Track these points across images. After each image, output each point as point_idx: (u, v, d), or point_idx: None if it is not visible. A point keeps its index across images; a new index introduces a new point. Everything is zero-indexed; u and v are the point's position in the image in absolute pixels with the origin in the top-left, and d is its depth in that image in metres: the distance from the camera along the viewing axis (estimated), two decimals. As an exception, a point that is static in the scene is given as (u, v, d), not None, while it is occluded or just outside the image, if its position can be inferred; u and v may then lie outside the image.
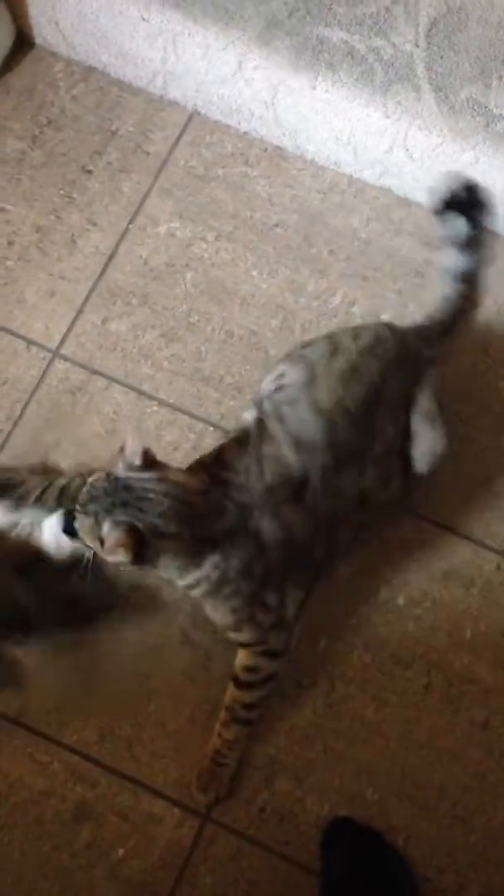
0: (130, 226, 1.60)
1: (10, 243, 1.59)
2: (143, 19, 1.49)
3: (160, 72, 1.61)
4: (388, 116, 1.44)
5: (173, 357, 1.54)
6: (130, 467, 1.15)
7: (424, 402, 1.30)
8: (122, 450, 1.17)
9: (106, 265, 1.58)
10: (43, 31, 1.65)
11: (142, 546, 1.12)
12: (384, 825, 1.32)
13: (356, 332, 1.31)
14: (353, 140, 1.55)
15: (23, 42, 1.69)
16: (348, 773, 1.35)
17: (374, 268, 1.59)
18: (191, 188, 1.63)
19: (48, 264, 1.58)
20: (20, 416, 1.49)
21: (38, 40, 1.68)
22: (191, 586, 1.20)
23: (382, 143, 1.53)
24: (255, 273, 1.59)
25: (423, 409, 1.30)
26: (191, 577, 1.19)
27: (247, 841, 1.31)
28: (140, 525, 1.11)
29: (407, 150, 1.52)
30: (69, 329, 1.54)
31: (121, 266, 1.58)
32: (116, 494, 1.13)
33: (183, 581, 1.20)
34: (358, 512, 1.26)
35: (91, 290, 1.56)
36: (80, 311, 1.55)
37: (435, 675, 1.39)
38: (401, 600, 1.42)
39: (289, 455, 1.22)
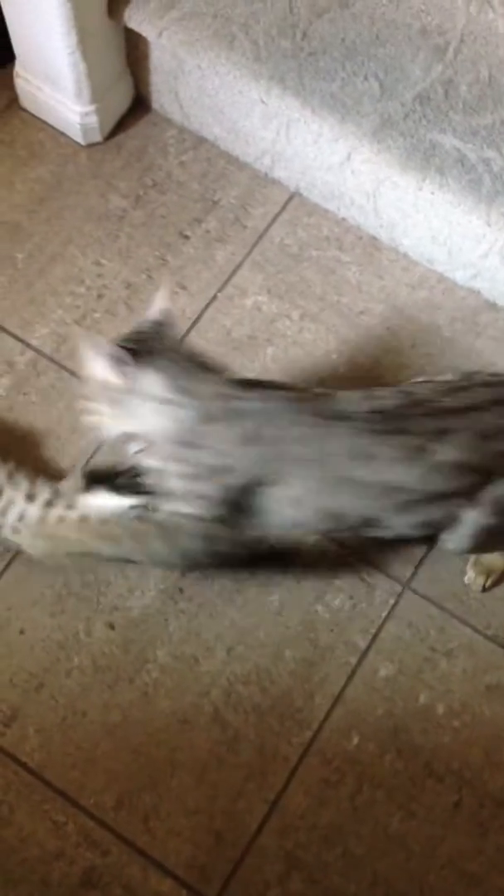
0: (219, 294, 1.63)
1: (100, 296, 1.62)
2: (262, 102, 1.53)
3: (269, 151, 1.66)
4: (489, 225, 1.45)
5: (243, 429, 1.55)
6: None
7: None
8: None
9: (189, 329, 1.61)
10: (161, 98, 1.71)
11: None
12: (395, 944, 1.27)
13: None
14: (449, 241, 1.57)
15: (140, 105, 1.74)
16: (365, 882, 1.30)
17: (453, 367, 1.59)
18: (282, 266, 1.65)
19: (133, 320, 1.60)
20: (90, 458, 1.51)
21: (155, 106, 1.74)
22: None
23: (479, 248, 1.54)
24: (335, 356, 1.60)
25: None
26: None
27: (252, 938, 1.28)
28: None
29: (502, 257, 1.53)
30: (145, 387, 1.57)
31: (204, 332, 1.61)
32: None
33: None
34: None
35: (172, 352, 1.59)
36: (158, 371, 1.58)
37: (467, 793, 1.35)
38: (440, 709, 1.39)
39: None
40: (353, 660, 1.41)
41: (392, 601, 1.44)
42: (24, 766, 1.34)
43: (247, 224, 1.68)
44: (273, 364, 1.59)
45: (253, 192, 1.71)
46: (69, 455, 1.50)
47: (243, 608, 1.42)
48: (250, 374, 1.56)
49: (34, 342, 1.59)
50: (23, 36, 1.59)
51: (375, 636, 1.42)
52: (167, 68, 1.64)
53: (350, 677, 1.40)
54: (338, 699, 1.39)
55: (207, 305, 1.63)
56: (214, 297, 1.63)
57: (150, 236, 1.66)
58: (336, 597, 1.44)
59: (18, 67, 1.68)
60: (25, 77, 1.67)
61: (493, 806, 1.34)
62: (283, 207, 1.70)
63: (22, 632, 1.41)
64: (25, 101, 1.72)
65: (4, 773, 1.34)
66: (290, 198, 1.70)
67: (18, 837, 1.31)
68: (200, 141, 1.73)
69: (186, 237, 1.67)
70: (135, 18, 1.53)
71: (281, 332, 1.61)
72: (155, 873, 1.30)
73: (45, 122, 1.72)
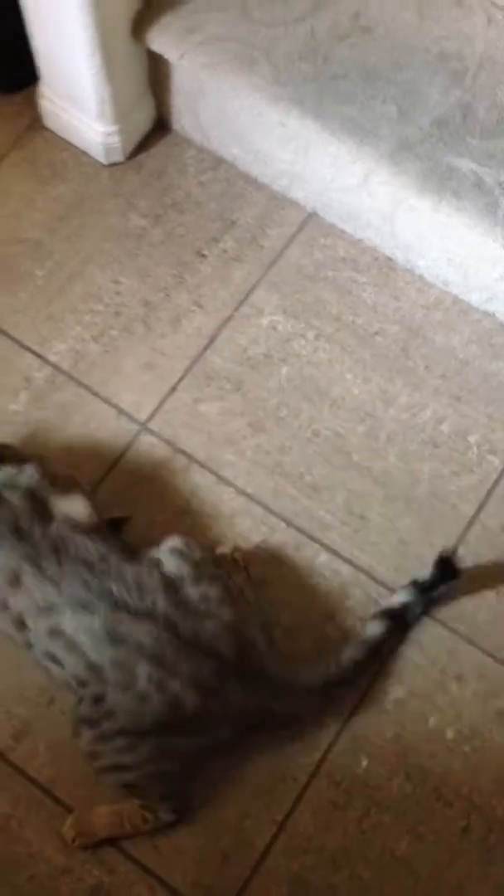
0: (235, 313, 1.64)
1: (118, 314, 1.64)
2: (282, 124, 1.54)
3: (287, 172, 1.67)
4: (505, 248, 1.46)
5: (257, 447, 1.55)
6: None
7: None
8: None
9: (205, 348, 1.62)
10: (182, 119, 1.73)
11: None
12: None
13: None
14: (465, 264, 1.57)
15: (161, 126, 1.76)
16: (372, 906, 1.30)
17: (468, 389, 1.59)
18: (298, 286, 1.66)
19: (150, 339, 1.62)
20: (100, 482, 1.51)
21: (175, 126, 1.76)
22: None
23: (494, 271, 1.54)
24: (349, 377, 1.60)
25: None
26: None
27: None
28: None
29: (518, 281, 1.54)
30: (160, 404, 1.57)
31: (219, 350, 1.62)
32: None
33: None
34: None
35: (187, 370, 1.60)
36: (173, 389, 1.59)
37: (475, 818, 1.34)
38: (450, 734, 1.38)
39: None
40: (364, 682, 1.40)
41: (403, 623, 1.45)
42: (33, 781, 1.35)
43: (264, 244, 1.70)
44: (287, 384, 1.60)
45: (270, 212, 1.72)
46: (84, 472, 1.51)
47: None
48: (266, 393, 1.58)
49: (52, 358, 1.61)
50: (48, 57, 1.62)
51: (387, 658, 1.42)
52: (188, 90, 1.66)
53: (360, 699, 1.40)
54: (347, 721, 1.39)
55: (224, 324, 1.64)
56: (231, 317, 1.64)
57: (169, 255, 1.68)
58: (347, 618, 1.44)
59: (43, 87, 1.70)
60: (49, 97, 1.70)
61: (502, 831, 1.33)
62: (300, 228, 1.71)
63: (34, 646, 1.43)
64: (48, 121, 1.75)
65: (14, 789, 1.34)
66: (307, 218, 1.72)
67: (27, 853, 1.31)
68: (219, 161, 1.75)
69: (204, 256, 1.68)
70: (157, 41, 1.56)
71: (296, 351, 1.62)
72: (161, 892, 1.30)
73: (67, 142, 1.75)
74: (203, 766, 1.34)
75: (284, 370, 1.61)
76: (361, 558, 1.48)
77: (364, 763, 1.36)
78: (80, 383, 1.59)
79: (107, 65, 1.55)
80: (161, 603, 1.25)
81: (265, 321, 1.64)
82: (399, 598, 1.40)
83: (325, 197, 1.67)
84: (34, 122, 1.76)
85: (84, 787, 1.33)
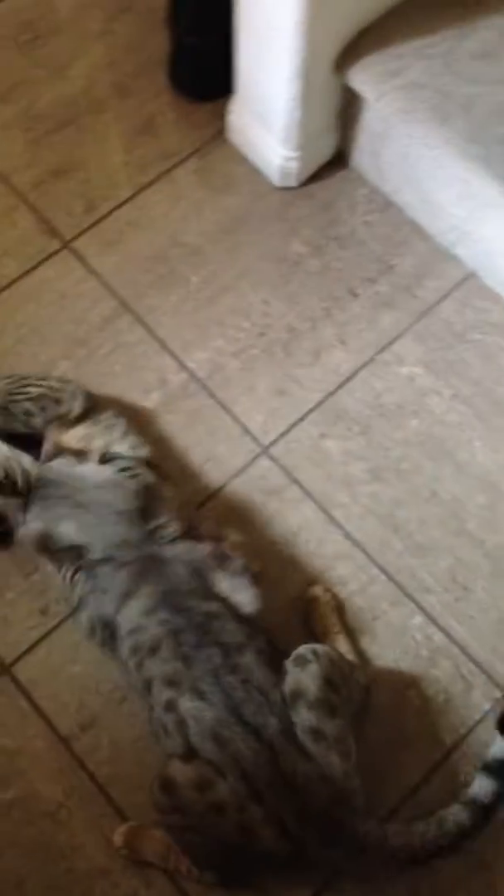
0: (376, 357, 1.63)
1: (262, 334, 1.65)
2: (464, 181, 1.53)
3: (456, 228, 1.65)
4: None
5: (372, 495, 1.53)
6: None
7: None
8: None
9: (340, 385, 1.61)
10: (361, 156, 1.73)
11: None
12: None
13: None
14: None
15: (338, 159, 1.77)
16: None
17: None
18: (445, 342, 1.64)
19: (288, 365, 1.63)
20: (212, 496, 1.52)
21: (353, 163, 1.76)
22: None
23: None
24: (477, 444, 1.57)
25: None
26: None
27: None
28: None
29: None
30: (285, 432, 1.57)
31: (353, 391, 1.61)
32: None
33: None
34: None
35: (318, 404, 1.59)
36: (301, 419, 1.58)
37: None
38: (515, 830, 1.33)
39: None
40: (437, 756, 1.37)
41: (487, 706, 1.40)
42: (91, 775, 1.35)
43: (417, 294, 1.68)
44: (415, 438, 1.57)
45: (431, 263, 1.70)
46: (197, 484, 1.52)
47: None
48: (391, 443, 1.56)
49: (191, 365, 1.62)
50: (248, 74, 1.64)
51: (464, 737, 1.38)
52: (375, 130, 1.66)
53: (428, 774, 1.36)
54: (411, 793, 1.35)
55: (363, 366, 1.63)
56: (371, 359, 1.63)
57: (322, 287, 1.68)
58: (431, 686, 1.41)
59: (234, 102, 1.73)
60: (238, 112, 1.73)
61: None
62: (458, 285, 1.69)
63: (116, 642, 1.44)
64: (232, 135, 1.78)
65: (70, 778, 1.35)
66: (466, 277, 1.69)
67: (70, 845, 1.32)
68: (390, 204, 1.74)
69: (356, 295, 1.68)
70: (358, 79, 1.57)
71: (429, 407, 1.60)
72: (192, 918, 1.29)
73: (245, 158, 1.77)
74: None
75: (414, 423, 1.59)
76: (457, 630, 1.45)
77: None
78: (212, 395, 1.60)
79: (303, 92, 1.56)
80: (273, 727, 1.19)
81: (404, 371, 1.63)
82: None
83: (490, 260, 1.65)
84: (218, 134, 1.80)
85: (140, 795, 1.33)
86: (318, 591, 1.45)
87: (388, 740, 1.37)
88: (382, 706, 1.39)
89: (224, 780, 1.17)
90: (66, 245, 1.72)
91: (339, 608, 1.44)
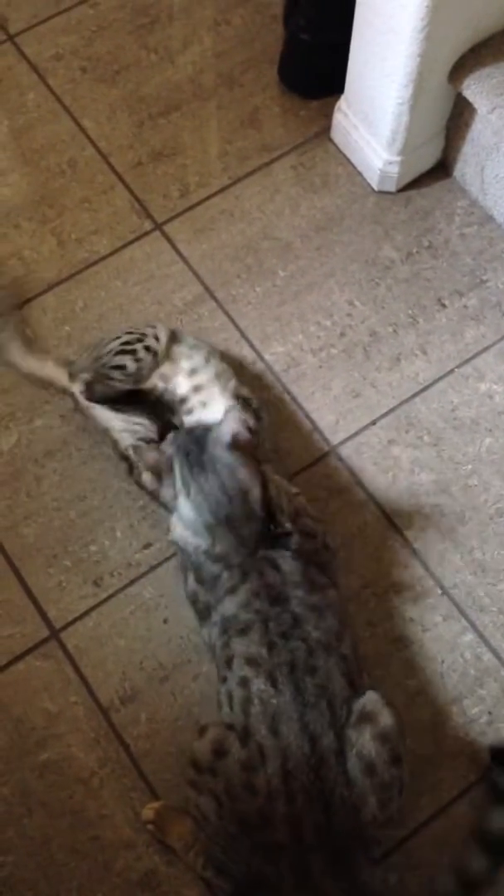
0: (456, 370, 1.61)
1: (343, 335, 1.64)
2: None
3: (553, 252, 1.63)
4: None
5: (436, 507, 1.51)
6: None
7: None
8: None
9: (416, 394, 1.60)
10: (465, 168, 1.72)
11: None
12: None
13: None
14: None
15: (440, 168, 1.76)
16: None
17: None
18: (528, 363, 1.62)
19: (366, 368, 1.62)
20: (275, 489, 1.52)
21: (455, 174, 1.75)
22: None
23: None
24: (550, 469, 1.55)
25: None
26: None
27: None
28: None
29: None
30: (356, 434, 1.57)
31: (429, 401, 1.59)
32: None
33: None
34: None
35: (392, 410, 1.58)
36: (373, 423, 1.57)
37: None
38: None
39: None
40: (473, 777, 1.35)
41: (531, 733, 1.38)
42: (126, 748, 1.36)
43: (505, 312, 1.67)
44: (486, 455, 1.55)
45: (522, 283, 1.69)
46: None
47: (385, 680, 1.38)
48: (462, 457, 1.55)
49: (268, 357, 1.63)
50: (360, 76, 1.64)
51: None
52: (483, 142, 1.64)
53: (463, 793, 1.34)
54: (443, 810, 1.33)
55: (441, 377, 1.61)
56: (451, 371, 1.62)
57: (409, 294, 1.67)
58: (476, 705, 1.39)
59: (342, 102, 1.73)
60: (346, 112, 1.73)
61: None
62: (547, 307, 1.67)
63: (165, 621, 1.44)
64: (336, 135, 1.78)
65: (106, 748, 1.36)
66: None
67: (98, 813, 1.33)
68: (488, 219, 1.72)
69: (444, 306, 1.66)
70: (472, 89, 1.55)
71: (505, 426, 1.59)
72: (210, 903, 1.29)
73: (347, 159, 1.77)
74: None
75: (487, 441, 1.57)
76: (508, 653, 1.43)
77: (447, 859, 1.30)
78: (286, 388, 1.60)
79: (414, 98, 1.56)
80: (329, 740, 1.18)
81: (483, 387, 1.61)
82: None
83: None
84: (322, 132, 1.80)
85: (171, 774, 1.34)
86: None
87: (425, 755, 1.35)
88: (424, 721, 1.38)
89: (266, 767, 1.17)
90: (157, 227, 1.74)
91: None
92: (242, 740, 1.19)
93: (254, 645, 1.23)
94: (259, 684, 1.21)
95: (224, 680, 1.25)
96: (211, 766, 1.19)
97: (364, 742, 1.18)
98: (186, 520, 1.30)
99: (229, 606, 1.26)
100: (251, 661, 1.22)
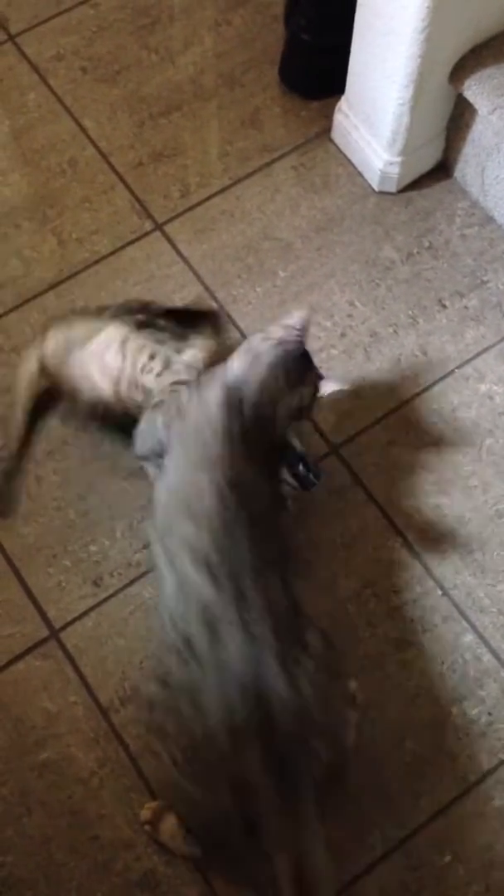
0: (457, 371, 1.62)
1: (343, 335, 1.64)
2: None
3: (553, 250, 1.64)
4: None
5: (436, 508, 1.52)
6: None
7: None
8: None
9: (416, 395, 1.59)
10: (465, 169, 1.72)
11: None
12: None
13: None
14: None
15: (441, 169, 1.76)
16: None
17: None
18: (528, 364, 1.62)
19: (366, 369, 1.62)
20: (275, 489, 1.52)
21: (456, 175, 1.75)
22: None
23: None
24: (550, 470, 1.55)
25: None
26: None
27: None
28: None
29: None
30: (357, 434, 1.57)
31: (429, 402, 1.59)
32: None
33: None
34: None
35: (392, 411, 1.58)
36: (373, 423, 1.57)
37: None
38: (546, 864, 1.30)
39: None
40: (472, 778, 1.35)
41: (531, 734, 1.38)
42: (125, 748, 1.36)
43: (506, 313, 1.67)
44: (487, 456, 1.55)
45: (522, 284, 1.69)
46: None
47: (385, 681, 1.39)
48: (462, 458, 1.55)
49: (268, 357, 1.63)
50: (360, 76, 1.64)
51: (502, 762, 1.36)
52: (483, 143, 1.65)
53: (462, 794, 1.34)
54: (442, 811, 1.33)
55: (442, 378, 1.61)
56: (451, 372, 1.62)
57: (409, 295, 1.67)
58: (476, 706, 1.39)
59: (342, 102, 1.73)
60: (346, 113, 1.73)
61: None
62: (547, 308, 1.67)
63: (165, 621, 1.45)
64: (337, 135, 1.78)
65: (106, 748, 1.36)
66: None
67: (98, 814, 1.33)
68: (488, 220, 1.72)
69: (444, 306, 1.67)
70: (473, 89, 1.55)
71: (505, 427, 1.59)
72: (209, 903, 1.29)
73: (347, 159, 1.77)
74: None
75: (488, 442, 1.57)
76: (508, 654, 1.43)
77: (447, 858, 1.30)
78: (286, 389, 1.61)
79: (415, 99, 1.56)
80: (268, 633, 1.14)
81: (483, 388, 1.61)
82: None
83: None
84: (322, 133, 1.80)
85: (171, 774, 1.32)
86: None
87: (425, 755, 1.36)
88: (423, 721, 1.38)
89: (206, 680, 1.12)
90: (158, 227, 1.74)
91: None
92: (184, 660, 1.14)
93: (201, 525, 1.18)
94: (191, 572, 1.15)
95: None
96: (164, 699, 1.15)
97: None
98: None
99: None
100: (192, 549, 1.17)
